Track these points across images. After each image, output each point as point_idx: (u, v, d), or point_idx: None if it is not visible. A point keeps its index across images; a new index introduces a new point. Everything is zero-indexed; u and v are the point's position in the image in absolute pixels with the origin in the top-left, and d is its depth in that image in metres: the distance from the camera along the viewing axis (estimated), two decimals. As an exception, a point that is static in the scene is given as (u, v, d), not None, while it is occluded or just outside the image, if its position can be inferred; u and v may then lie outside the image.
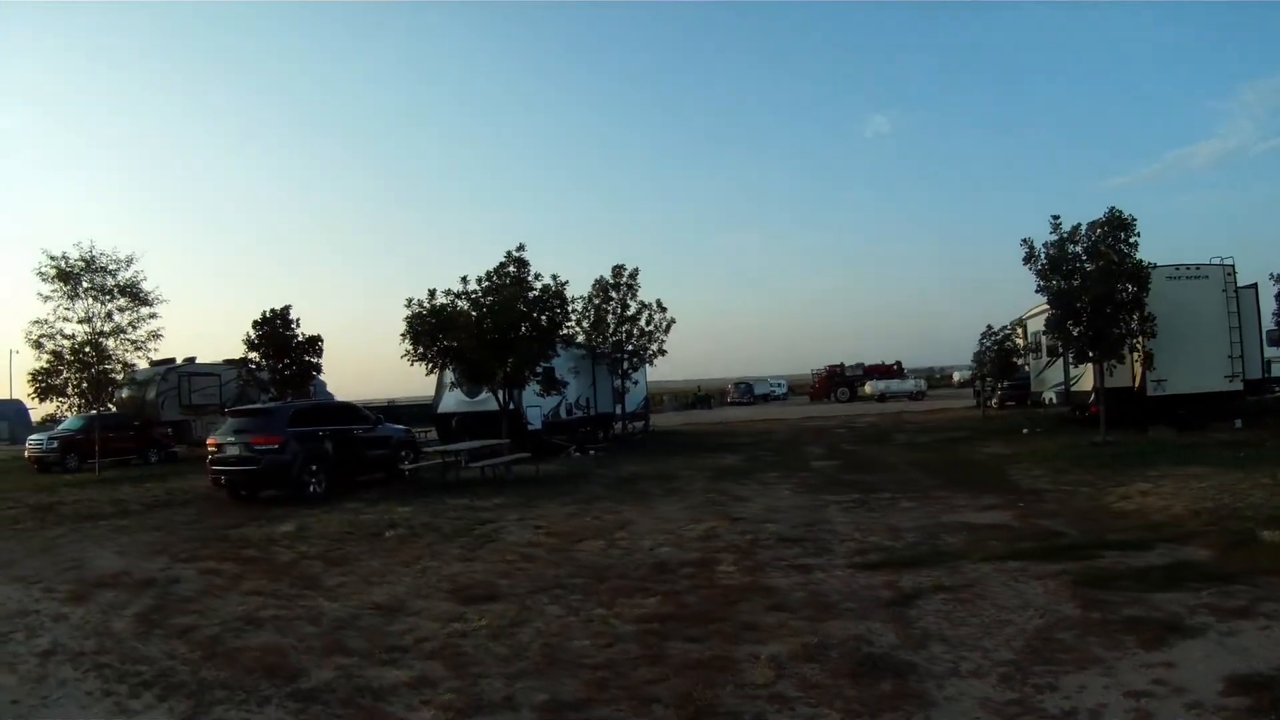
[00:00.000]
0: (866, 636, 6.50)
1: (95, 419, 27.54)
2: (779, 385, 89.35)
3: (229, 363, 33.65)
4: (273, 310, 31.31)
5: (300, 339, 31.41)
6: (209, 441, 17.59)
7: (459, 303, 22.41)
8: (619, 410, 33.47)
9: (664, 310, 32.66)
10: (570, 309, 24.29)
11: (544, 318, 22.65)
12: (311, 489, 16.70)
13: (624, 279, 31.67)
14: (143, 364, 28.45)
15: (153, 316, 26.66)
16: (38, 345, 26.02)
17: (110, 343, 26.04)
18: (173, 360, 32.21)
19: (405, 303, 22.37)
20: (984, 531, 10.60)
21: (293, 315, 31.38)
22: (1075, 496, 13.30)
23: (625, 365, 32.54)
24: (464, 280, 22.52)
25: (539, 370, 23.51)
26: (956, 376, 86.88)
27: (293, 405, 18.22)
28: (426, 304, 22.36)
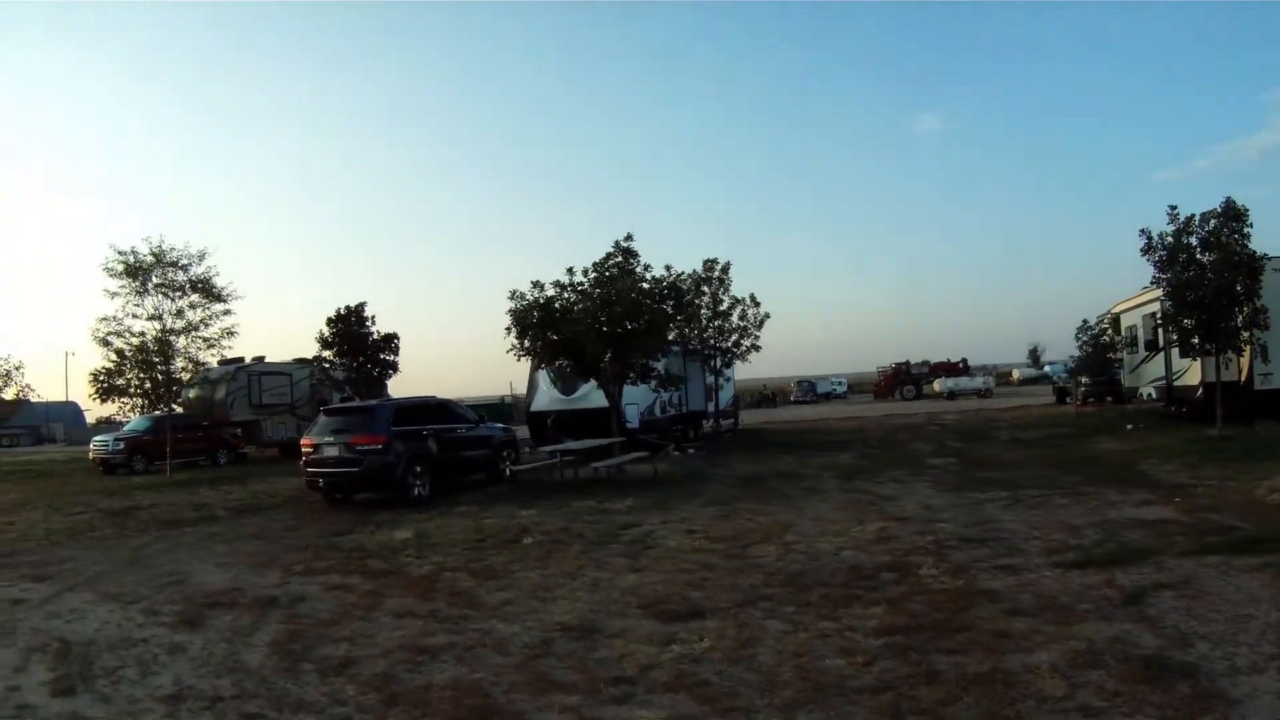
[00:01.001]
0: (1127, 639, 5.91)
1: (165, 419, 26.18)
2: (840, 384, 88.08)
3: (299, 362, 32.73)
4: (347, 307, 30.15)
5: (375, 337, 30.22)
6: (304, 442, 16.09)
7: (566, 295, 20.92)
8: (710, 408, 31.72)
9: (757, 305, 30.94)
10: (685, 302, 22.49)
11: (660, 309, 21.12)
12: (416, 492, 15.30)
13: (716, 273, 30.02)
14: (214, 362, 26.99)
15: (227, 313, 25.24)
16: (105, 343, 24.83)
17: (181, 340, 24.74)
18: (241, 359, 30.75)
19: (509, 295, 20.90)
20: (1159, 527, 9.91)
21: (368, 312, 30.32)
22: (1224, 490, 12.35)
23: (718, 362, 30.79)
24: (570, 271, 21.13)
25: (654, 365, 21.98)
26: (1016, 374, 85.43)
27: (394, 403, 16.65)
28: (529, 296, 20.90)
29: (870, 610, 6.89)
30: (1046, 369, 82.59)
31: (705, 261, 29.99)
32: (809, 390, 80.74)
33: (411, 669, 6.06)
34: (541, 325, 20.50)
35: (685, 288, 24.17)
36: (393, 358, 30.66)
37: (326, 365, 30.05)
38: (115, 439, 28.48)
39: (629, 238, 21.27)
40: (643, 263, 21.25)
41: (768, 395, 79.62)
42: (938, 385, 64.77)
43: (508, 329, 20.89)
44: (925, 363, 69.81)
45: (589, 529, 11.71)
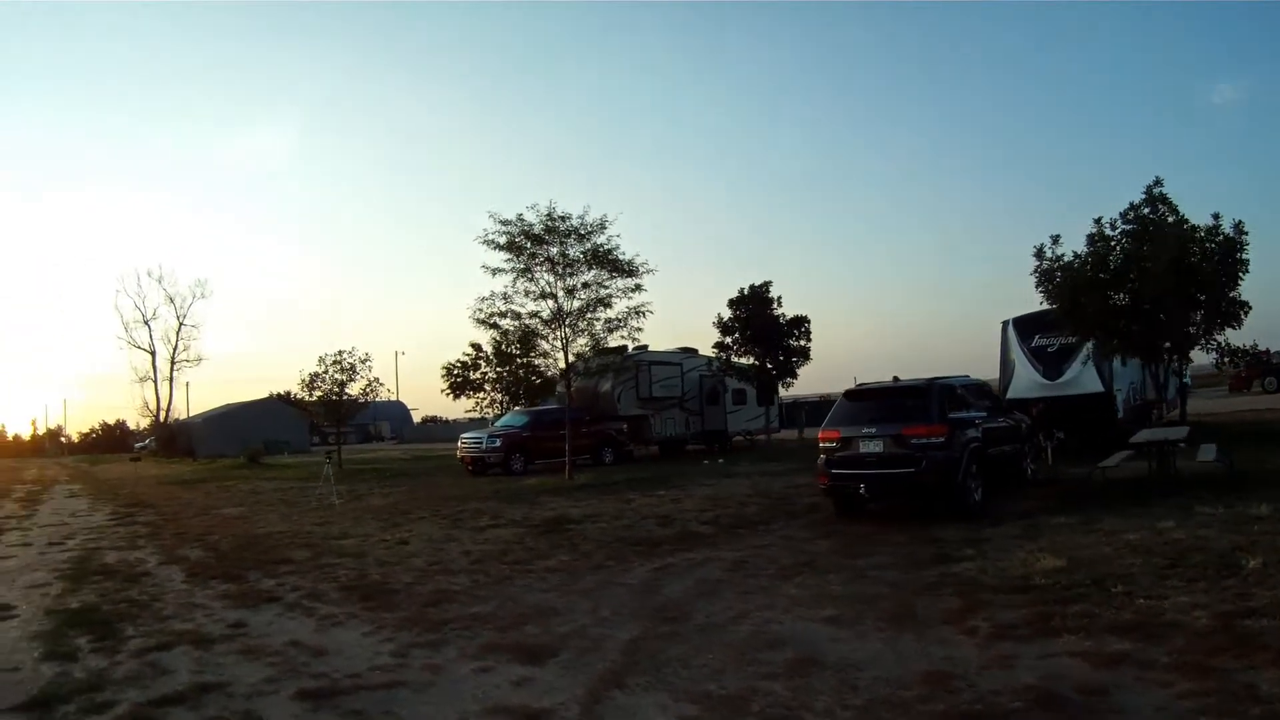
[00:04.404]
0: None
1: (565, 412, 22.78)
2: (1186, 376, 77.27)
3: (684, 350, 29.54)
4: (751, 287, 26.00)
5: (782, 320, 25.71)
6: (824, 435, 12.17)
7: (1099, 249, 17.11)
8: (1170, 396, 25.62)
9: None
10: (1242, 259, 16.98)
11: (1232, 263, 16.59)
12: (974, 498, 11.58)
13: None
14: (613, 345, 23.28)
15: (636, 289, 21.24)
16: (490, 325, 21.71)
17: (580, 321, 21.23)
18: (624, 348, 26.92)
19: (1035, 251, 17.20)
20: None
21: (772, 293, 26.18)
22: None
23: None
24: (1097, 222, 17.09)
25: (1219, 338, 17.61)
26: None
27: (942, 382, 12.67)
28: (1050, 252, 17.24)
29: None
30: None
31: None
32: None
33: None
34: (1089, 286, 16.52)
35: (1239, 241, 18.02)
36: (804, 343, 26.09)
37: (724, 354, 26.02)
38: (490, 436, 25.07)
39: (1158, 182, 16.81)
40: (1176, 214, 16.86)
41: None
42: (1309, 375, 55.21)
43: (1046, 291, 17.37)
44: (1287, 350, 60.24)
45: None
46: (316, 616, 7.41)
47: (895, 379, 12.99)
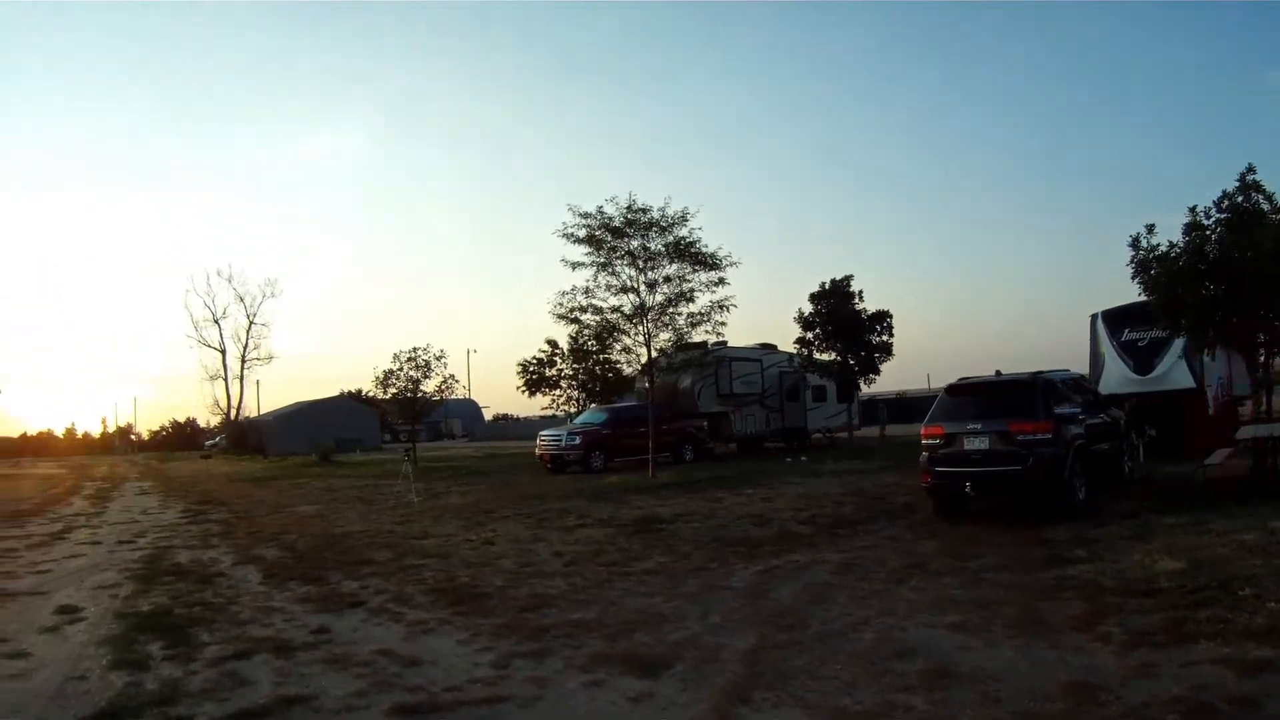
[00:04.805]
0: None
1: (642, 410, 22.43)
2: None
3: (764, 347, 28.96)
4: (832, 281, 25.45)
5: (864, 315, 25.02)
6: (926, 431, 11.91)
7: (1195, 237, 15.53)
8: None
9: None
10: None
11: None
12: (1078, 496, 11.27)
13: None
14: (695, 340, 22.94)
15: (720, 283, 20.71)
16: (572, 320, 21.45)
17: (662, 316, 20.72)
18: (704, 345, 26.38)
19: (1130, 241, 15.78)
20: None
21: (853, 287, 25.66)
22: None
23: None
24: (1192, 211, 15.56)
25: None
26: None
27: (1046, 377, 12.25)
28: (1145, 241, 15.70)
29: None
30: None
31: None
32: None
33: None
34: (1187, 277, 15.28)
35: None
36: (886, 339, 25.38)
37: (805, 350, 25.41)
38: (570, 433, 24.71)
39: (1251, 169, 15.45)
40: (1271, 201, 15.37)
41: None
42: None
43: (1142, 283, 15.99)
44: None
45: None
46: (405, 622, 6.94)
47: (998, 373, 12.55)
